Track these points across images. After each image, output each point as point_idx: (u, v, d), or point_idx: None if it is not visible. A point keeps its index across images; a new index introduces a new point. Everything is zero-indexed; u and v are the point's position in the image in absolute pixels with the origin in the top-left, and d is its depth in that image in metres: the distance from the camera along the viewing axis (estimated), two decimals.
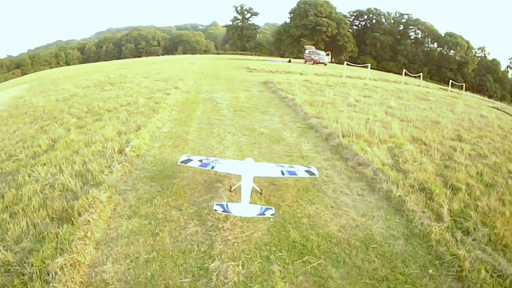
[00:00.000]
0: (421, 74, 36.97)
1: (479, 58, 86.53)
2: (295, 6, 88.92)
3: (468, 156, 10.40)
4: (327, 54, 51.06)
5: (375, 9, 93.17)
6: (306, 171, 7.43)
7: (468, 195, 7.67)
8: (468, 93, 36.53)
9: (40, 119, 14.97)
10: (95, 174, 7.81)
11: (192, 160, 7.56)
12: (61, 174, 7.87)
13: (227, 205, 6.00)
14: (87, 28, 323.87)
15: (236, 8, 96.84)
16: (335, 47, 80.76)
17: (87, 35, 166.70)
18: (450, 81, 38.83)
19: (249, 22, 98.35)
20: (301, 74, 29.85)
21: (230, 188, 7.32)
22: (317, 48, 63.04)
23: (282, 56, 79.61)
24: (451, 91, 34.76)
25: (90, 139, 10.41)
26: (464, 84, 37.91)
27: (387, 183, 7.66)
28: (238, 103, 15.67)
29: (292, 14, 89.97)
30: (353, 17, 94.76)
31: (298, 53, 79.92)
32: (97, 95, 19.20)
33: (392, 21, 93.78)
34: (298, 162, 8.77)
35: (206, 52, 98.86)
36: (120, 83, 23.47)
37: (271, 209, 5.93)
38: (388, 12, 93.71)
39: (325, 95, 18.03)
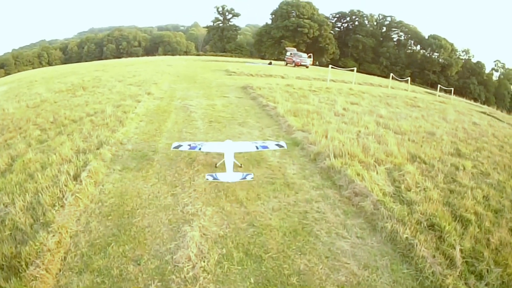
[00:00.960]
0: (408, 78, 35.66)
1: (463, 61, 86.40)
2: (277, 7, 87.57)
3: (472, 176, 9.26)
4: (309, 56, 49.59)
5: (358, 11, 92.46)
6: (276, 144, 9.11)
7: (478, 227, 6.74)
8: (454, 96, 35.44)
9: (6, 130, 13.72)
10: (46, 209, 6.61)
11: (182, 145, 8.83)
12: (13, 206, 6.82)
13: (216, 174, 7.31)
14: (70, 28, 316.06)
15: (218, 8, 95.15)
16: (317, 49, 79.66)
17: (70, 35, 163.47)
18: (439, 85, 37.83)
19: (230, 23, 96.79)
20: (282, 77, 28.33)
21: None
22: (299, 50, 61.81)
23: (262, 58, 78.25)
24: (439, 96, 33.68)
25: (47, 160, 9.15)
26: (452, 89, 36.97)
27: (390, 220, 6.35)
28: (214, 112, 14.04)
29: (273, 16, 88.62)
30: (335, 19, 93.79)
31: (279, 55, 78.66)
32: (67, 101, 17.69)
33: (375, 23, 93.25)
34: (283, 192, 7.39)
35: (186, 53, 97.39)
36: (92, 87, 21.92)
37: (251, 174, 7.44)
38: (371, 14, 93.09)
39: (309, 103, 16.54)
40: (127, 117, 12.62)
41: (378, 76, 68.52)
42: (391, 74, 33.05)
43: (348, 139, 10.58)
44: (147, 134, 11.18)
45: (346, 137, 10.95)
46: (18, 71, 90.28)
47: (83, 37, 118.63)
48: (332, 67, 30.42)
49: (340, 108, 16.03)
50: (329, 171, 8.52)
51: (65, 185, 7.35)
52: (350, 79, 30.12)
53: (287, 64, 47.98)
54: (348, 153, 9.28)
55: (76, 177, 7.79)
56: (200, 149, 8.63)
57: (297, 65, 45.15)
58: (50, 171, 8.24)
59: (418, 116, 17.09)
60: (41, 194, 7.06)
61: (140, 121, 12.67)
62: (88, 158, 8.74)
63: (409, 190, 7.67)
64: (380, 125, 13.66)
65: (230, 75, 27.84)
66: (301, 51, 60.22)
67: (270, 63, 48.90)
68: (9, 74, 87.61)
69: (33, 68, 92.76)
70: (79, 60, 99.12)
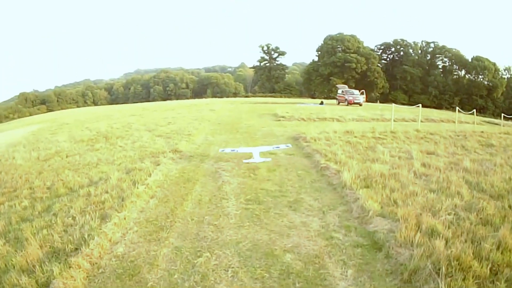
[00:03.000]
0: (474, 110, 30.22)
1: (506, 80, 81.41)
2: (322, 43, 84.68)
3: None
4: (362, 93, 45.17)
5: (402, 40, 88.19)
6: (285, 145, 13.87)
7: None
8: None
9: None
10: None
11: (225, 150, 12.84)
12: None
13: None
14: (115, 69, 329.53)
15: (263, 47, 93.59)
16: (366, 84, 75.26)
17: (116, 75, 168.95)
18: (502, 114, 32.24)
19: (276, 62, 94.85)
20: (338, 120, 24.18)
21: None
22: (348, 86, 57.73)
23: (312, 97, 75.11)
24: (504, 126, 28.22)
25: (6, 265, 6.02)
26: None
27: None
28: (255, 182, 9.81)
29: (319, 52, 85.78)
30: (380, 50, 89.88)
31: (329, 93, 75.15)
32: (79, 157, 15.03)
33: (420, 51, 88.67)
34: None
35: (235, 94, 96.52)
36: (116, 138, 19.17)
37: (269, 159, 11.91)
38: (414, 42, 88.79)
39: (379, 159, 12.03)
40: (132, 193, 8.76)
41: (428, 107, 63.59)
42: (457, 108, 27.86)
43: (445, 227, 6.38)
44: (152, 226, 7.18)
45: (444, 220, 6.69)
46: (61, 109, 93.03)
47: (129, 78, 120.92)
48: (395, 106, 25.81)
49: (418, 163, 11.41)
50: None
51: None
52: (409, 115, 26.25)
53: (339, 103, 43.85)
54: (461, 265, 5.08)
55: None
56: (237, 150, 12.86)
57: (350, 103, 40.96)
58: None
59: (501, 162, 12.28)
60: None
61: (149, 199, 8.81)
62: (54, 273, 5.35)
63: None
64: (473, 188, 9.07)
65: (279, 120, 23.91)
66: (351, 87, 56.25)
67: (321, 103, 44.88)
68: (51, 110, 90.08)
69: (77, 106, 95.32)
70: (125, 101, 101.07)
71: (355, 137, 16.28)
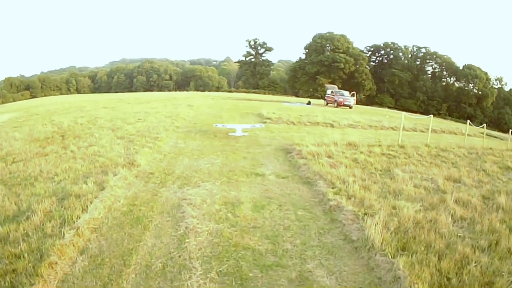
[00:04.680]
0: (484, 124, 27.25)
1: (496, 90, 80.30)
2: (311, 41, 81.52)
3: None
4: (352, 95, 41.96)
5: (392, 43, 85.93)
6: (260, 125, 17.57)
7: None
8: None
9: None
10: None
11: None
12: None
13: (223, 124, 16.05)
14: (101, 57, 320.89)
15: (249, 42, 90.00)
16: (353, 85, 72.60)
17: (101, 63, 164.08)
18: (510, 130, 29.59)
19: (262, 57, 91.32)
20: (332, 126, 20.95)
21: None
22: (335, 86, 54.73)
23: (296, 95, 72.07)
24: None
25: None
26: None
27: None
28: (235, 233, 6.33)
29: (307, 50, 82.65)
30: (370, 52, 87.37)
31: (314, 92, 72.12)
32: (23, 165, 11.71)
33: (410, 55, 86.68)
34: None
35: (218, 88, 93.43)
36: (74, 138, 15.69)
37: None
38: (405, 46, 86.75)
39: (402, 191, 8.74)
40: (55, 245, 5.58)
41: (415, 112, 61.50)
42: (468, 121, 24.80)
43: None
44: None
45: None
46: (45, 95, 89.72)
47: (113, 66, 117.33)
48: (406, 114, 22.53)
49: (450, 199, 8.22)
50: None
51: None
52: (408, 124, 23.70)
53: (327, 103, 40.66)
54: None
55: None
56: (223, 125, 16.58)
57: (339, 105, 37.85)
58: None
59: None
60: None
61: (79, 255, 5.59)
62: None
63: None
64: None
65: (265, 122, 20.30)
66: (338, 87, 53.13)
67: (308, 103, 41.54)
68: (35, 97, 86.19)
69: (61, 93, 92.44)
70: (108, 90, 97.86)
71: (361, 152, 12.94)
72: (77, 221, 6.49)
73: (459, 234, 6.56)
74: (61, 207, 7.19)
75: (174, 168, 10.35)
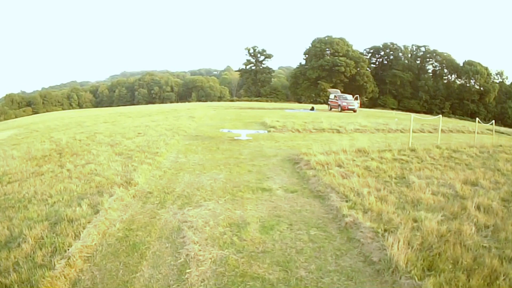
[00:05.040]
0: (493, 121, 26.34)
1: (498, 84, 79.51)
2: (310, 46, 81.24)
3: None
4: (355, 98, 41.29)
5: (392, 43, 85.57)
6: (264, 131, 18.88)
7: None
8: None
9: None
10: None
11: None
12: None
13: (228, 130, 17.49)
14: (102, 71, 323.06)
15: (249, 50, 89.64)
16: (355, 88, 72.07)
17: (102, 77, 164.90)
18: None
19: (263, 65, 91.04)
20: (338, 132, 20.31)
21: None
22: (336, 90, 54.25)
23: (299, 101, 71.58)
24: None
25: None
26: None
27: None
28: (241, 260, 5.64)
29: (307, 55, 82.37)
30: (370, 54, 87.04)
31: (316, 97, 71.59)
32: (17, 186, 10.99)
33: (410, 55, 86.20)
34: None
35: (220, 98, 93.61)
36: (71, 155, 14.85)
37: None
38: (405, 46, 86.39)
39: (421, 200, 8.01)
40: (44, 277, 5.11)
41: (419, 112, 60.73)
42: (477, 119, 24.07)
43: None
44: None
45: None
46: (47, 111, 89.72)
47: (114, 80, 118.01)
48: (414, 116, 21.81)
49: (471, 205, 7.65)
50: None
51: None
52: (414, 125, 21.85)
53: (331, 108, 40.06)
54: None
55: None
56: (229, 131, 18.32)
57: (343, 109, 37.21)
58: None
59: None
60: None
61: None
62: None
63: None
64: None
65: (269, 131, 19.71)
66: (340, 91, 52.62)
67: (312, 109, 40.93)
68: (37, 112, 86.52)
69: (63, 109, 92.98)
70: (110, 103, 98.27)
71: (373, 159, 12.25)
72: (68, 249, 5.89)
73: (484, 245, 5.94)
74: (53, 233, 6.58)
75: (174, 185, 9.68)
